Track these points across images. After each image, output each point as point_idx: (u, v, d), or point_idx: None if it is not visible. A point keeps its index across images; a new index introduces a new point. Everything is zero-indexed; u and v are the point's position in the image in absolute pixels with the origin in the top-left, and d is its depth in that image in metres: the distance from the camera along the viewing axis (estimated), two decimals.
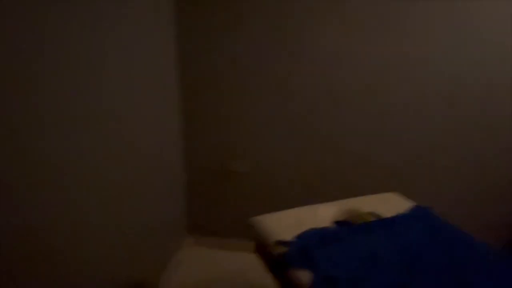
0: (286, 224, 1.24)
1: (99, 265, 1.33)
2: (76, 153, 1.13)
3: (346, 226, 1.25)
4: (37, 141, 0.97)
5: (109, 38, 1.29)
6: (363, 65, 1.88)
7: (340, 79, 1.92)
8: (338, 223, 1.29)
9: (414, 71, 1.87)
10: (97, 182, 1.26)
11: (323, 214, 1.31)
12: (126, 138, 1.47)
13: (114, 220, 1.43)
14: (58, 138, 1.05)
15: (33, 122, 0.95)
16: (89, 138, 1.20)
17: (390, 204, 1.43)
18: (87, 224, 1.23)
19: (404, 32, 1.81)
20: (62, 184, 1.08)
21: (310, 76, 1.93)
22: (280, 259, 1.13)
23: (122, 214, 1.48)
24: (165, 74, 1.88)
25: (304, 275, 1.02)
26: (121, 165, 1.44)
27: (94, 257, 1.29)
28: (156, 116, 1.79)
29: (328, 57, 1.89)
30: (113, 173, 1.38)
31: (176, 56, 1.99)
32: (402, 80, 1.89)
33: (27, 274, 0.96)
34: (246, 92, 2.02)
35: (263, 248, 1.28)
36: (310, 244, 1.11)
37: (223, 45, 1.95)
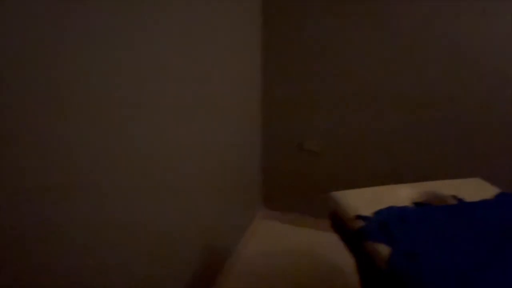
0: (364, 200, 1.28)
1: (183, 232, 1.49)
2: (174, 134, 1.27)
3: (426, 207, 1.26)
4: (136, 129, 1.10)
5: (205, 29, 1.40)
6: (443, 51, 1.81)
7: (419, 63, 1.87)
8: (417, 204, 1.30)
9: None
10: (193, 153, 1.40)
11: (402, 194, 1.32)
12: (217, 115, 1.60)
13: (199, 190, 1.57)
14: (161, 123, 1.19)
15: (133, 115, 1.08)
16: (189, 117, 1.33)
17: (473, 189, 1.39)
18: (177, 192, 1.38)
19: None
20: (160, 162, 1.22)
21: (384, 60, 1.91)
22: (358, 233, 1.17)
23: (206, 185, 1.62)
24: (251, 57, 1.98)
25: (383, 249, 1.06)
26: (211, 139, 1.58)
27: (180, 224, 1.44)
28: (241, 96, 1.90)
29: (406, 43, 1.85)
30: (207, 147, 1.52)
31: (260, 42, 2.08)
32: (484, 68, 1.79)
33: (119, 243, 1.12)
34: (321, 75, 2.06)
35: (340, 222, 1.33)
36: (390, 220, 1.14)
37: (301, 32, 2.00)
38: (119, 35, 0.97)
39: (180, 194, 1.41)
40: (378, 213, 1.20)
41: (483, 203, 1.28)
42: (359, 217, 1.20)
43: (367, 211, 1.22)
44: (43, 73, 0.76)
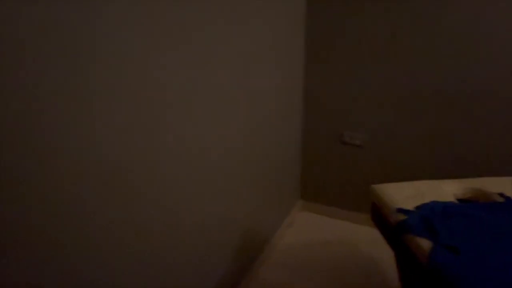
0: (406, 194, 1.27)
1: (222, 221, 1.54)
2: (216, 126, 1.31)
3: (471, 204, 1.23)
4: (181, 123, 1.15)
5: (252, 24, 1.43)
6: (491, 48, 1.74)
7: (468, 60, 1.81)
8: (462, 200, 1.27)
9: None
10: (234, 145, 1.45)
11: (446, 190, 1.30)
12: (259, 108, 1.63)
13: (238, 181, 1.61)
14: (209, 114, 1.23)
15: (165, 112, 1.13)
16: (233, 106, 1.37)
17: None
18: (217, 184, 1.43)
19: None
20: (201, 151, 1.28)
21: (430, 53, 1.86)
22: (398, 227, 1.17)
23: (245, 177, 1.66)
24: (293, 48, 1.99)
25: (424, 243, 1.06)
26: (253, 132, 1.61)
27: (218, 214, 1.49)
28: (282, 88, 1.92)
29: (454, 37, 1.79)
30: (251, 138, 1.56)
31: (303, 32, 2.09)
32: None
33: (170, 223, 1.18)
34: (364, 68, 2.04)
35: (381, 215, 1.33)
36: (433, 215, 1.13)
37: (347, 22, 1.98)
38: (188, 33, 1.02)
39: (219, 186, 1.46)
40: (421, 207, 1.19)
41: None
42: (401, 210, 1.19)
43: (409, 205, 1.21)
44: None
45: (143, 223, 1.05)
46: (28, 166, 0.69)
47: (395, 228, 1.19)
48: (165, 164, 1.10)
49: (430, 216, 1.14)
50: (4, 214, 0.66)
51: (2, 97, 0.63)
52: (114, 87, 0.86)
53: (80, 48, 0.76)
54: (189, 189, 1.24)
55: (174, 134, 1.11)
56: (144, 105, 0.97)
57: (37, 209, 0.72)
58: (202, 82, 1.21)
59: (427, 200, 1.23)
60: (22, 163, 0.68)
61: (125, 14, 0.85)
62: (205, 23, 1.17)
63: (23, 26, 0.64)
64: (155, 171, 1.06)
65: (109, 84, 0.84)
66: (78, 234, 0.83)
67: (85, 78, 0.78)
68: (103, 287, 0.93)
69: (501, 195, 1.28)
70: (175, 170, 1.15)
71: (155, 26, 0.96)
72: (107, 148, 0.87)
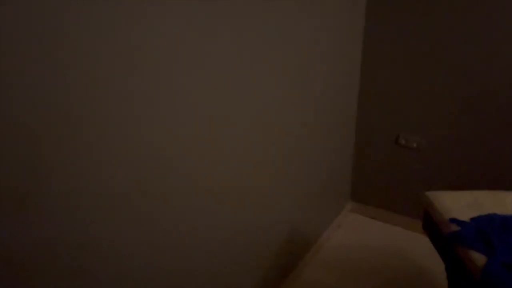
0: (462, 204, 1.20)
1: (268, 218, 1.55)
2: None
3: None
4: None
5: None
6: None
7: None
8: None
9: None
10: (285, 142, 1.45)
11: (509, 202, 1.21)
12: (311, 104, 1.62)
13: (288, 177, 1.62)
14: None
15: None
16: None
17: None
18: (267, 179, 1.44)
19: None
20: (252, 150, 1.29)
21: (488, 56, 1.74)
22: (451, 237, 1.12)
23: (295, 173, 1.67)
24: (350, 46, 1.95)
25: (478, 257, 1.00)
26: (303, 129, 1.61)
27: (272, 210, 1.51)
28: (337, 85, 1.89)
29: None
30: (301, 137, 1.56)
31: (361, 32, 2.04)
32: None
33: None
34: (425, 70, 1.94)
35: (433, 224, 1.27)
36: (490, 228, 1.06)
37: (406, 24, 1.90)
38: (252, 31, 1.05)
39: (267, 184, 1.47)
40: (477, 219, 1.12)
41: None
42: (455, 220, 1.13)
43: (464, 216, 1.15)
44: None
45: (199, 222, 1.09)
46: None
47: (447, 238, 1.13)
48: (219, 165, 1.14)
49: (487, 229, 1.07)
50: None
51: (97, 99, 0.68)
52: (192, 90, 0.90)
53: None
54: (238, 187, 1.27)
55: (233, 131, 1.15)
56: (219, 103, 1.03)
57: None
58: (262, 82, 1.24)
59: (485, 211, 1.16)
60: None
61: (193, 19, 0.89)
62: (272, 23, 1.20)
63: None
64: (212, 173, 1.11)
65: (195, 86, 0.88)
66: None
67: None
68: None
69: None
70: (227, 170, 1.19)
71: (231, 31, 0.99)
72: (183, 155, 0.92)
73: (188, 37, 0.92)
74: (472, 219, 1.13)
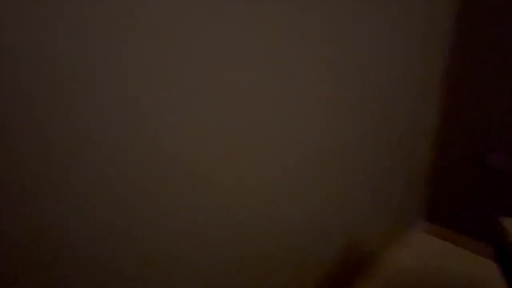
0: None
1: (325, 228, 1.51)
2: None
3: None
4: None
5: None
6: None
7: None
8: None
9: None
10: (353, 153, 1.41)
11: None
12: (384, 115, 1.56)
13: (354, 191, 1.57)
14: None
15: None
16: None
17: None
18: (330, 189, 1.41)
19: None
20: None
21: None
22: None
23: (362, 186, 1.61)
24: (432, 54, 1.83)
25: None
26: (374, 140, 1.55)
27: (331, 219, 1.47)
28: (414, 96, 1.78)
29: None
30: (367, 146, 1.51)
31: (445, 37, 1.90)
32: None
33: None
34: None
35: (506, 254, 1.15)
36: None
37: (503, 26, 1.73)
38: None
39: (332, 192, 1.44)
40: None
41: None
42: None
43: None
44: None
45: (247, 228, 1.11)
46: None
47: None
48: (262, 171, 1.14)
49: None
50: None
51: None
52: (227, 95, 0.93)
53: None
54: (294, 196, 1.26)
55: (286, 136, 1.15)
56: (263, 102, 1.04)
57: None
58: (323, 88, 1.22)
59: None
60: None
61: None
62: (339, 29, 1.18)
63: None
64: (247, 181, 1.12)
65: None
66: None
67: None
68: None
69: None
70: (274, 179, 1.19)
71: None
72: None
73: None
74: None
